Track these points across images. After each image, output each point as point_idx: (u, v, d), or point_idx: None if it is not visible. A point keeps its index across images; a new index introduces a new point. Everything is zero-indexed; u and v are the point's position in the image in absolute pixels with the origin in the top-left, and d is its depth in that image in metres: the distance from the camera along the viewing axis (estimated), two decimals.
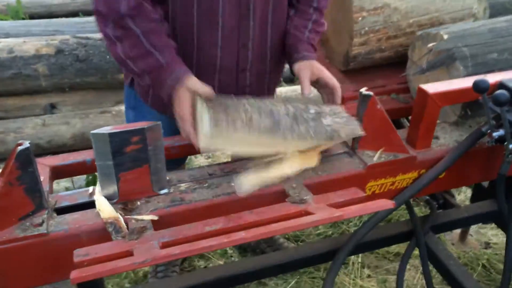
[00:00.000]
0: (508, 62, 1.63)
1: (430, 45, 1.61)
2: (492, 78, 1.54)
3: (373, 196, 1.56)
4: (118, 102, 3.59)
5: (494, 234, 2.60)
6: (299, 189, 1.35)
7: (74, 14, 5.75)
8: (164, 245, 1.11)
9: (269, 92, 1.74)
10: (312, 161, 1.40)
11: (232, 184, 1.30)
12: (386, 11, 1.81)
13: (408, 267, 2.36)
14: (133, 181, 1.27)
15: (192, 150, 1.49)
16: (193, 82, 1.32)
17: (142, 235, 1.16)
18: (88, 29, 3.99)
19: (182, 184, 1.39)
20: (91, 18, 4.81)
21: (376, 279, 2.29)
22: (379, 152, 1.51)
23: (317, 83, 1.53)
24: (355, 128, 1.40)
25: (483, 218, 1.90)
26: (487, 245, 2.54)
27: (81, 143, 3.28)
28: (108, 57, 3.39)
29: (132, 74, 1.48)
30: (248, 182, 1.27)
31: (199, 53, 1.50)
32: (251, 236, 1.07)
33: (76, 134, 3.27)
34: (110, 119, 3.35)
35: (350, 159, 1.51)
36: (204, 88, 1.30)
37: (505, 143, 1.40)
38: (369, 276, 2.30)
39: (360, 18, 1.77)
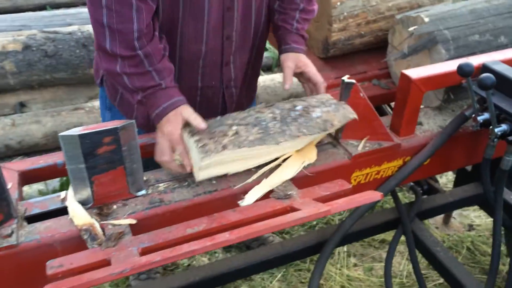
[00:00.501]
0: (490, 44, 1.61)
1: (411, 28, 1.57)
2: (475, 60, 1.51)
3: (358, 186, 1.52)
4: (91, 97, 3.47)
5: (477, 216, 2.60)
6: (284, 184, 1.30)
7: (41, 7, 5.54)
8: (144, 251, 1.05)
9: (252, 84, 1.68)
10: (312, 155, 1.35)
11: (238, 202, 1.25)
12: None
13: None
14: (108, 184, 1.20)
15: None
16: (189, 112, 1.29)
17: (119, 241, 1.10)
18: (56, 23, 3.82)
19: (160, 184, 1.32)
20: (59, 11, 4.63)
21: (363, 267, 2.27)
22: (363, 141, 1.46)
23: (301, 76, 1.50)
24: (347, 112, 1.35)
25: (468, 202, 1.88)
26: (470, 227, 2.54)
27: (53, 142, 3.15)
28: (78, 51, 3.26)
29: (121, 88, 1.38)
30: (253, 196, 1.22)
31: (183, 47, 1.42)
32: (235, 238, 1.01)
33: (48, 133, 3.14)
34: (84, 116, 3.23)
35: (334, 150, 1.46)
36: (197, 119, 1.26)
37: (490, 127, 1.37)
38: (355, 265, 2.28)
39: (338, 3, 1.72)
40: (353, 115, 1.36)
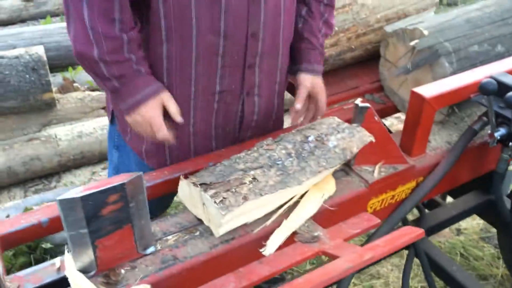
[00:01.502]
0: (488, 53, 1.57)
1: (413, 43, 1.50)
2: (480, 73, 1.46)
3: (374, 213, 1.43)
4: (45, 125, 3.20)
5: (463, 220, 2.60)
6: (307, 224, 1.18)
7: None
8: None
9: (279, 96, 1.48)
10: (331, 187, 1.24)
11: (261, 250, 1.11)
12: (354, 8, 1.68)
13: (390, 267, 2.29)
14: (113, 246, 1.03)
15: (172, 185, 1.28)
16: (168, 97, 1.27)
17: None
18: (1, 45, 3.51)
19: (169, 237, 1.16)
20: (4, 31, 4.26)
21: (362, 286, 2.19)
22: (378, 166, 1.37)
23: (308, 98, 1.40)
24: (363, 136, 1.25)
25: (470, 213, 1.85)
26: (459, 231, 2.54)
27: (8, 179, 2.86)
28: (27, 76, 2.98)
29: (95, 77, 1.25)
30: (276, 242, 1.09)
31: (198, 39, 1.23)
32: None
33: (1, 169, 2.84)
34: (41, 147, 2.95)
35: (349, 178, 1.36)
36: (175, 108, 1.26)
37: (510, 143, 1.32)
38: (354, 284, 2.20)
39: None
40: (370, 138, 1.27)
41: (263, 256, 1.10)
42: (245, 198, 1.06)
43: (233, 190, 1.07)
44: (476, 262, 2.33)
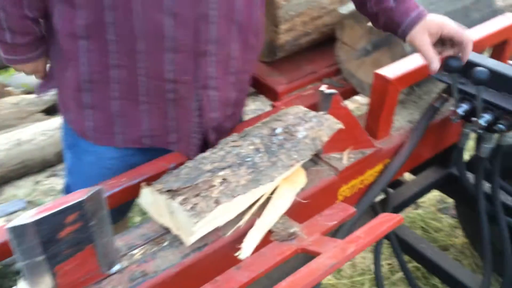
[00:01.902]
0: None
1: (370, 23, 1.46)
2: None
3: (345, 201, 1.40)
4: None
5: None
6: (281, 220, 1.12)
7: None
8: None
9: (238, 90, 1.35)
10: (301, 179, 1.18)
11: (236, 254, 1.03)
12: None
13: None
14: (75, 270, 0.93)
15: (132, 192, 1.18)
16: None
17: None
18: None
19: (135, 251, 1.06)
20: None
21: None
22: (346, 152, 1.34)
23: (443, 44, 1.26)
24: (331, 124, 1.20)
25: (431, 187, 1.87)
26: (417, 205, 2.59)
27: None
28: None
29: None
30: (251, 244, 1.01)
31: (139, 16, 1.11)
32: None
33: None
34: None
35: (318, 167, 1.31)
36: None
37: (473, 118, 1.32)
38: None
39: (283, 2, 1.56)
40: (339, 125, 1.23)
41: (239, 260, 1.04)
42: (217, 202, 0.98)
43: (203, 194, 0.99)
44: (436, 233, 2.38)
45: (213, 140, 1.33)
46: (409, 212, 2.53)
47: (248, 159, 1.08)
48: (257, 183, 1.04)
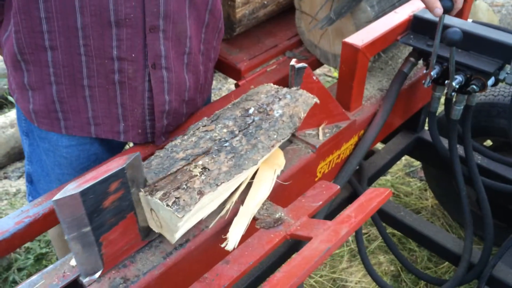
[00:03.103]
0: None
1: None
2: (404, 14, 1.42)
3: (323, 178, 1.36)
4: None
5: None
6: (265, 206, 1.06)
7: None
8: None
9: (192, 72, 1.23)
10: (280, 161, 1.11)
11: (222, 245, 0.96)
12: None
13: None
14: (118, 240, 0.90)
15: None
16: None
17: None
18: None
19: None
20: None
21: None
22: (321, 128, 1.29)
23: None
24: (307, 98, 1.15)
25: (402, 153, 1.87)
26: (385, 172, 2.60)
27: None
28: None
29: None
30: (237, 234, 0.94)
31: None
32: None
33: None
34: None
35: (294, 146, 1.25)
36: None
37: (446, 81, 1.29)
38: None
39: None
40: (314, 99, 1.17)
41: (226, 252, 0.97)
42: (201, 193, 0.91)
43: (184, 186, 0.91)
44: (407, 198, 2.41)
45: (166, 127, 1.22)
46: (378, 179, 2.54)
47: (226, 144, 1.01)
48: (240, 168, 0.98)
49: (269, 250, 0.97)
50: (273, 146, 1.04)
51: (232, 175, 0.96)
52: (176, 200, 0.88)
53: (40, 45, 1.08)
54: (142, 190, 0.89)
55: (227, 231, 1.00)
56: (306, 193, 1.11)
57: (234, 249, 0.97)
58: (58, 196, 0.78)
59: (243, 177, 1.00)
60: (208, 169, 0.95)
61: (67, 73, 1.11)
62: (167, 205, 0.87)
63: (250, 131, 1.04)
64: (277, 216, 1.04)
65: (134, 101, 1.16)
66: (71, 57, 1.09)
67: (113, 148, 1.31)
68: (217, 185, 0.93)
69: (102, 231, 0.86)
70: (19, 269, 2.04)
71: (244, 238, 1.00)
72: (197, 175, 0.93)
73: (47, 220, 1.08)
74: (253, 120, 1.08)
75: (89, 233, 0.84)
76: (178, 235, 0.92)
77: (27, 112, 1.21)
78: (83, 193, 0.79)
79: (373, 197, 0.99)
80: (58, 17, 1.03)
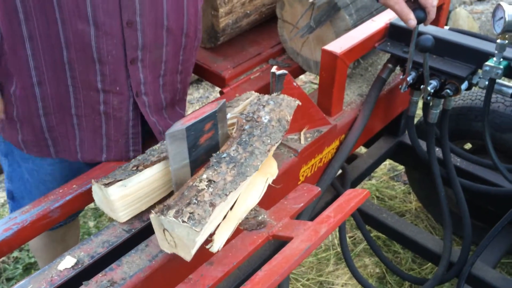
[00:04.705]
0: None
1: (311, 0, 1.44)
2: (381, 22, 1.47)
3: (306, 181, 1.39)
4: None
5: None
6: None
7: None
8: None
9: (167, 91, 1.28)
10: (273, 169, 1.14)
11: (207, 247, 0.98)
12: None
13: None
14: None
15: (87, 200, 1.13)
16: None
17: None
18: None
19: (99, 260, 1.01)
20: None
21: None
22: (303, 132, 1.33)
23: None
24: (289, 102, 1.18)
25: (385, 157, 1.91)
26: (370, 176, 2.65)
27: None
28: None
29: None
30: (223, 236, 0.96)
31: (66, 26, 1.04)
32: None
33: None
34: None
35: (277, 150, 1.29)
36: None
37: (422, 86, 1.34)
38: None
39: None
40: (296, 102, 1.21)
41: (211, 254, 1.00)
42: (213, 205, 0.92)
43: (195, 201, 0.92)
44: (391, 201, 2.46)
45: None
46: (363, 183, 2.59)
47: (224, 155, 1.03)
48: (243, 176, 0.99)
49: (252, 251, 1.00)
50: (269, 151, 1.07)
51: (238, 183, 0.98)
52: (191, 215, 0.88)
53: (29, 81, 1.11)
54: (152, 212, 0.90)
55: (213, 234, 1.03)
56: (288, 196, 1.15)
57: (218, 251, 1.00)
58: (170, 130, 0.96)
59: (247, 183, 1.03)
60: (214, 181, 0.96)
61: (55, 103, 1.16)
62: (183, 221, 0.87)
63: (244, 139, 1.06)
64: (260, 218, 1.07)
65: (119, 131, 1.22)
66: (59, 88, 1.13)
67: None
68: (226, 195, 0.94)
69: (196, 166, 1.02)
70: (8, 279, 2.04)
71: (228, 240, 1.03)
72: (204, 189, 0.94)
73: (35, 227, 1.10)
74: (244, 129, 1.10)
75: (187, 165, 1.01)
76: (194, 250, 0.92)
77: (16, 143, 1.24)
78: (188, 128, 0.96)
79: (351, 198, 1.02)
80: (44, 53, 1.07)
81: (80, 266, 0.99)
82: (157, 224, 0.91)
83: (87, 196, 1.16)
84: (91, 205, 2.45)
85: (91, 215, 2.40)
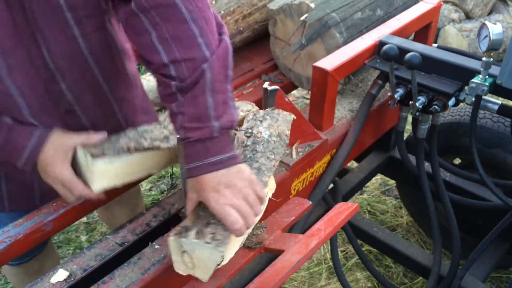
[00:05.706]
0: (371, 18, 1.62)
1: (303, 17, 1.48)
2: (370, 39, 1.50)
3: (298, 195, 1.41)
4: None
5: None
6: None
7: None
8: None
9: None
10: (273, 184, 1.15)
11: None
12: None
13: None
14: None
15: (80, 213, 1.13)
16: (62, 136, 1.02)
17: None
18: None
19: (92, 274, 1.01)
20: None
21: None
22: (294, 147, 1.35)
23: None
24: (285, 116, 1.20)
25: (375, 172, 1.93)
26: (362, 190, 2.67)
27: None
28: None
29: None
30: (231, 254, 0.96)
31: None
32: None
33: None
34: None
35: None
36: (91, 137, 1.03)
37: (411, 102, 1.37)
38: None
39: (213, 2, 1.54)
40: (291, 116, 1.23)
41: None
42: None
43: (213, 221, 0.93)
44: (383, 215, 2.47)
45: None
46: (355, 198, 2.61)
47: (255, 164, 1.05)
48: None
49: (244, 263, 1.01)
50: (274, 166, 1.08)
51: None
52: (212, 235, 0.89)
53: None
54: (171, 235, 0.90)
55: None
56: (280, 209, 1.16)
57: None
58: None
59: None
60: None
61: None
62: (207, 243, 0.87)
63: (248, 155, 1.08)
64: (255, 233, 1.07)
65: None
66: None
67: None
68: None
69: None
70: None
71: None
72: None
73: (28, 240, 1.10)
74: (247, 145, 1.11)
75: None
76: (213, 270, 0.91)
77: None
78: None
79: (341, 211, 1.04)
80: None
81: (72, 279, 0.99)
82: (176, 247, 0.90)
83: (80, 210, 1.17)
84: (84, 219, 2.44)
85: (83, 229, 2.39)
